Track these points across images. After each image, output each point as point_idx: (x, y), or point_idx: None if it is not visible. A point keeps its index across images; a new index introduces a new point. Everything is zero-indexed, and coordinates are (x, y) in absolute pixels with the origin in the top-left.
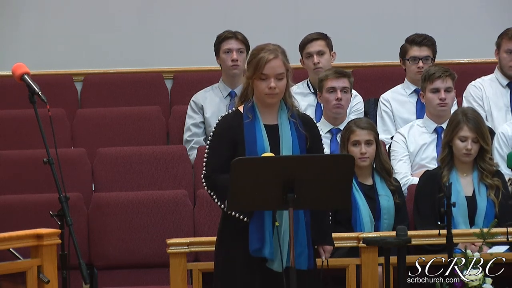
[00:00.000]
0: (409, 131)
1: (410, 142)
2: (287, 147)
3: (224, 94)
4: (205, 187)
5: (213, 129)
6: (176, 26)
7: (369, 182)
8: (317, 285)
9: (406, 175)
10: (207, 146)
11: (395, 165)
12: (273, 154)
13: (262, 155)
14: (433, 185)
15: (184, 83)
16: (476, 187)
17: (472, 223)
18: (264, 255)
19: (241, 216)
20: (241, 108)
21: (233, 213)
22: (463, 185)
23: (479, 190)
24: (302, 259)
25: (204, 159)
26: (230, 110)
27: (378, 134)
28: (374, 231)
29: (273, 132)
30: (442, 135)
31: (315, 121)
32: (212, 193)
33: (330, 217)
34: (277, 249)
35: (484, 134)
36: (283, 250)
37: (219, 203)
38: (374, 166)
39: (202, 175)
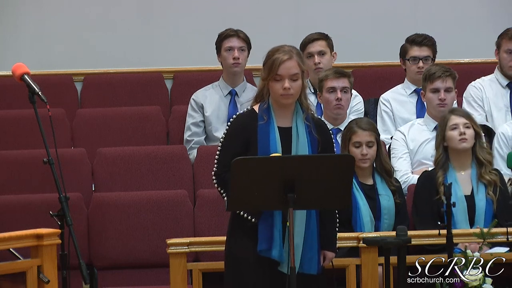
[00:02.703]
0: (409, 129)
1: (410, 139)
2: (302, 151)
3: (225, 93)
4: (215, 184)
5: (226, 126)
6: (176, 26)
7: (369, 182)
8: None
9: (406, 172)
10: (219, 143)
11: (395, 163)
12: (280, 155)
13: (270, 156)
14: (431, 185)
15: (184, 83)
16: (474, 186)
17: (471, 222)
18: (272, 256)
19: (249, 217)
20: (256, 108)
21: (241, 212)
22: (462, 183)
23: (478, 189)
24: (312, 263)
25: (216, 156)
26: (245, 109)
27: (379, 135)
28: (375, 231)
29: (286, 134)
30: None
31: (327, 126)
32: (222, 191)
33: (338, 224)
34: (287, 251)
35: (473, 119)
36: (295, 253)
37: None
38: (374, 166)
39: (212, 172)
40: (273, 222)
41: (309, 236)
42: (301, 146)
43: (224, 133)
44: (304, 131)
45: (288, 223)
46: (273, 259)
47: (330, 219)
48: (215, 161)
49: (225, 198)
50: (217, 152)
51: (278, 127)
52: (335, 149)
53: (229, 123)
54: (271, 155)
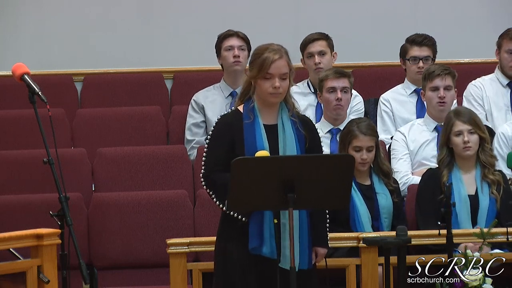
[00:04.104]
0: (409, 129)
1: (410, 140)
2: (290, 147)
3: (226, 94)
4: (204, 187)
5: (212, 128)
6: (176, 26)
7: (367, 182)
8: (315, 285)
9: (406, 173)
10: (205, 145)
11: (395, 164)
12: (268, 153)
13: (256, 154)
14: (435, 184)
15: (184, 83)
16: (479, 185)
17: (474, 222)
18: (263, 253)
19: (239, 216)
20: (240, 108)
21: (231, 212)
22: (466, 183)
23: (482, 188)
24: (303, 258)
25: (203, 158)
26: (229, 109)
27: (378, 137)
28: (374, 231)
29: (272, 132)
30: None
31: (313, 123)
32: (211, 193)
33: (328, 220)
34: (283, 246)
35: (478, 123)
36: (294, 249)
37: (217, 202)
38: (372, 166)
39: (201, 174)
40: (263, 220)
41: (302, 232)
42: (289, 142)
43: (209, 135)
44: (290, 127)
45: (275, 220)
46: (262, 259)
47: (320, 215)
48: (202, 163)
49: (214, 199)
50: (204, 154)
51: (263, 124)
52: (322, 145)
53: (214, 125)
54: (257, 153)
